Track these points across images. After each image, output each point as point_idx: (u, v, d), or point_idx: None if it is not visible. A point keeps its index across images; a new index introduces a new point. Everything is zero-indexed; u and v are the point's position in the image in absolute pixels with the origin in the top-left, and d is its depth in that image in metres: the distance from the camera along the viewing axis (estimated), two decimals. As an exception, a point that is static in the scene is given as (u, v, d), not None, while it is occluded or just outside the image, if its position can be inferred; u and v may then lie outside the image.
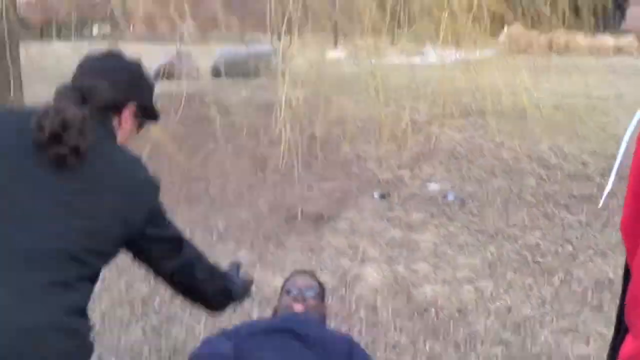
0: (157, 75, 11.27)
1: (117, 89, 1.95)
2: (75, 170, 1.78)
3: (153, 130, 6.82)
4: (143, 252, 2.06)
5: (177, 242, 2.11)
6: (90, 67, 2.02)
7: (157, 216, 2.01)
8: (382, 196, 7.40)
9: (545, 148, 8.56)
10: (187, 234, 2.19)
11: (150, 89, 2.16)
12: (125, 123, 2.01)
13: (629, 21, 1.41)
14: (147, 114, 2.13)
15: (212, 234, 6.31)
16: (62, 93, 1.89)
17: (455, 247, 5.92)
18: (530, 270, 5.40)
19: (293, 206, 7.02)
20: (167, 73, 11.04)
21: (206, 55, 12.66)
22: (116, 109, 1.98)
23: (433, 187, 7.67)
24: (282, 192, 7.54)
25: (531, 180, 7.68)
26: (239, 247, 5.97)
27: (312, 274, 3.33)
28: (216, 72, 13.57)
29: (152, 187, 1.97)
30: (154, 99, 2.17)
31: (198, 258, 2.21)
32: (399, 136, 8.77)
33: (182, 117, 8.56)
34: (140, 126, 2.15)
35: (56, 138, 1.76)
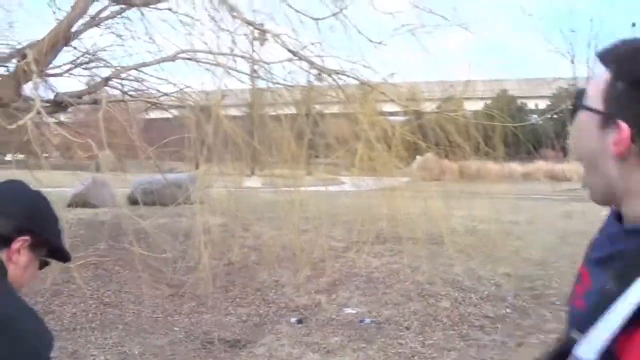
0: (72, 202, 11.13)
1: (6, 218, 1.73)
2: None
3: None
4: None
5: None
6: None
7: None
8: (300, 321, 7.36)
9: (459, 271, 8.75)
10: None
11: (50, 221, 1.89)
12: (16, 256, 1.73)
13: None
14: (49, 249, 1.86)
15: (126, 360, 6.10)
16: None
17: (373, 370, 5.89)
18: (447, 390, 5.41)
19: (209, 332, 6.90)
20: (83, 201, 10.92)
21: (123, 183, 12.57)
22: (5, 240, 1.73)
23: (350, 311, 7.68)
24: (199, 318, 7.41)
25: (446, 303, 7.80)
26: (153, 374, 5.78)
27: None
28: (133, 200, 13.45)
29: (45, 338, 1.67)
30: (58, 233, 1.91)
31: None
32: (316, 262, 8.83)
33: (96, 244, 8.42)
34: (42, 263, 1.87)
35: None
